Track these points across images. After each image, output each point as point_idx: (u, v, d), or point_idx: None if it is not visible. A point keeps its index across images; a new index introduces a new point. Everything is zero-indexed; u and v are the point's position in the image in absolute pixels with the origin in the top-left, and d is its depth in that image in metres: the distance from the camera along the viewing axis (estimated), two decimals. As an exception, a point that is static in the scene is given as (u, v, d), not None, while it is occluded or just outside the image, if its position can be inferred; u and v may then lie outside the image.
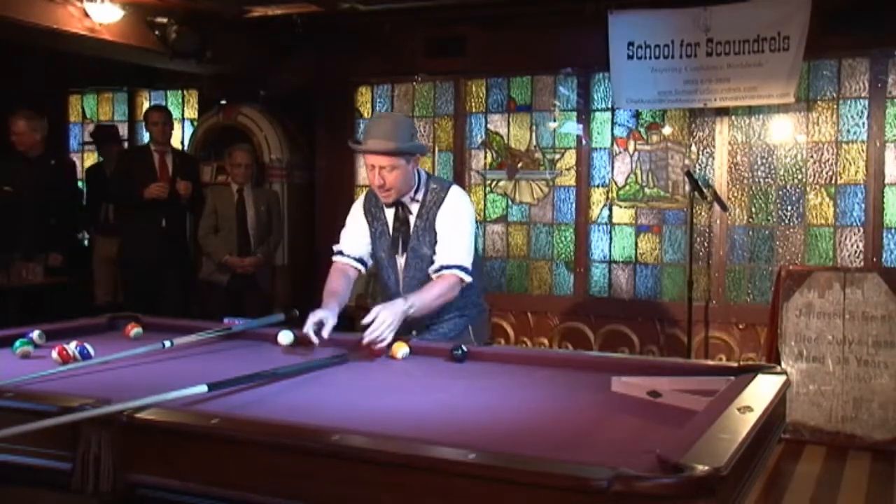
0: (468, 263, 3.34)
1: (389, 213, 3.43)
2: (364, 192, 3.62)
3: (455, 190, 3.42)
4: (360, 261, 3.51)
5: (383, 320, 3.02)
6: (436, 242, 3.34)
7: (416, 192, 3.38)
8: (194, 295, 6.59)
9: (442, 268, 3.30)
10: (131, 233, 6.35)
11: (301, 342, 3.19)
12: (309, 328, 3.09)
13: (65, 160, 7.29)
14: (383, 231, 3.45)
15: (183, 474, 1.98)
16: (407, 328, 3.28)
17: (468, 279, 3.33)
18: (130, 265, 6.34)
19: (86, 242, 7.65)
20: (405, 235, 3.40)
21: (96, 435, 2.04)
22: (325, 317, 3.14)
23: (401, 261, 3.43)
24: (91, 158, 8.44)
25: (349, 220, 3.55)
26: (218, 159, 7.08)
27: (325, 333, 3.10)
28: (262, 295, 6.40)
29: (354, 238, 3.51)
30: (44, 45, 6.38)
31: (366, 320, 3.05)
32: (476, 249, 3.49)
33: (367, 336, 3.01)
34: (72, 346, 2.82)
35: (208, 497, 1.95)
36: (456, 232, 3.34)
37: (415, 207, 3.38)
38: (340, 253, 3.52)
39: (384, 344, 3.04)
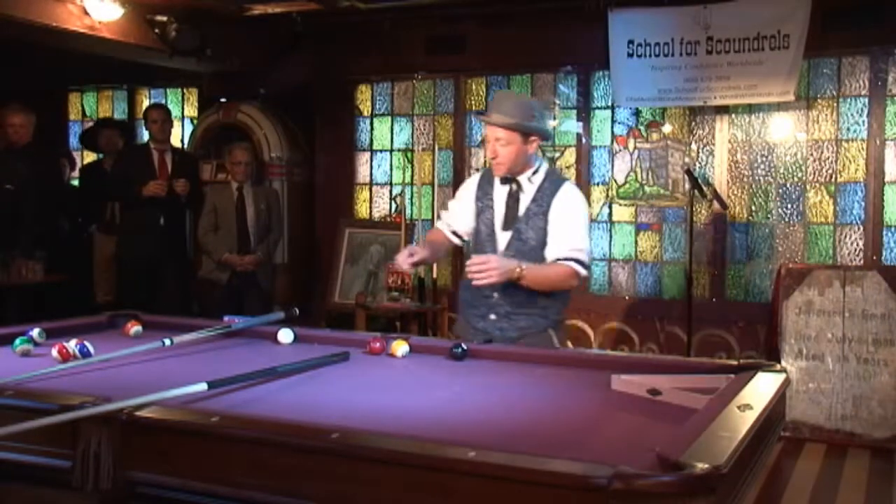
0: (586, 259, 3.34)
1: (503, 190, 3.43)
2: (484, 168, 3.74)
3: (571, 184, 3.48)
4: (455, 234, 3.63)
5: (494, 264, 3.14)
6: (544, 230, 3.34)
7: (533, 173, 3.39)
8: (194, 293, 6.59)
9: (560, 259, 3.30)
10: (130, 231, 6.35)
11: (301, 340, 3.19)
12: (402, 255, 3.32)
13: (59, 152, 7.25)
14: (489, 206, 3.45)
15: (183, 472, 1.98)
16: (486, 312, 3.38)
17: (584, 273, 3.34)
18: (129, 263, 6.34)
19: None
20: (514, 213, 3.40)
21: (96, 433, 2.04)
22: (417, 249, 3.39)
23: (503, 237, 3.40)
24: (91, 156, 8.43)
25: (460, 190, 3.67)
26: (218, 157, 7.08)
27: (415, 259, 3.33)
28: (261, 293, 6.39)
29: (458, 211, 3.59)
30: (44, 43, 6.37)
31: (475, 258, 3.17)
32: None
33: (472, 266, 3.14)
34: (72, 345, 2.82)
35: (208, 495, 1.95)
36: (575, 224, 3.35)
37: (529, 189, 3.39)
38: (441, 220, 3.71)
39: (483, 282, 3.14)
